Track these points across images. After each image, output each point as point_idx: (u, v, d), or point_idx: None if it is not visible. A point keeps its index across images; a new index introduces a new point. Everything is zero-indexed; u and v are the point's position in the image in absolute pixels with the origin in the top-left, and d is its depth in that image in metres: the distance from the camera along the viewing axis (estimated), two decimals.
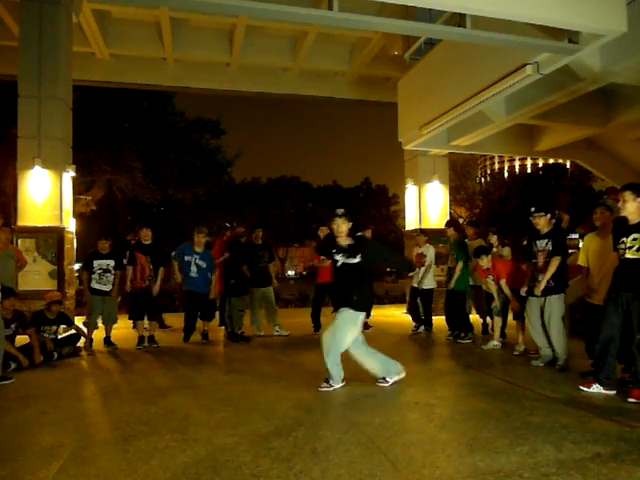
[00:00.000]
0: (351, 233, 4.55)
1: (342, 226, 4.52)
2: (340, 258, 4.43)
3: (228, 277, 7.25)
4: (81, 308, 7.64)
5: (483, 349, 6.30)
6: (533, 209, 5.24)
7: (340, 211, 4.57)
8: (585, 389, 4.16)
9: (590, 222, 5.10)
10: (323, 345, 4.36)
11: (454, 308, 7.15)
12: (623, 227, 4.08)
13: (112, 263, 6.72)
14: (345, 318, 4.36)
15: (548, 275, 5.02)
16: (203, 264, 7.07)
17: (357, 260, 4.39)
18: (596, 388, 4.12)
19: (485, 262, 6.30)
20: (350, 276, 4.42)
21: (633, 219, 4.02)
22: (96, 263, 6.67)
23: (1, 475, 2.75)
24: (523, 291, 5.45)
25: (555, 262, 5.01)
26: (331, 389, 4.37)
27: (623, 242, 4.02)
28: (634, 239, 3.96)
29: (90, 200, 18.55)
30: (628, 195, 4.01)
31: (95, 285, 6.66)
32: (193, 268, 7.05)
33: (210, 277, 7.19)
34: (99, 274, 6.66)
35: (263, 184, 46.25)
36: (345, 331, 4.34)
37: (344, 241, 4.51)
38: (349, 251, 4.43)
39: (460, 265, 6.99)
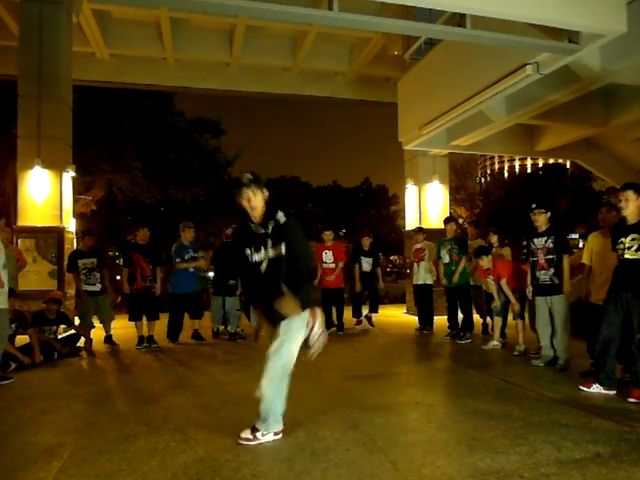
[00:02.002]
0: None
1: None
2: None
3: (224, 278, 7.29)
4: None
5: (483, 349, 6.30)
6: (534, 205, 5.27)
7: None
8: (585, 389, 4.16)
9: (590, 222, 5.11)
10: None
11: (456, 305, 7.16)
12: (622, 227, 4.08)
13: (95, 261, 6.70)
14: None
15: (567, 276, 5.07)
16: (199, 254, 7.20)
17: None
18: (596, 388, 4.12)
19: (485, 262, 6.30)
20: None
21: (632, 219, 4.02)
22: (80, 262, 6.64)
23: (1, 475, 2.75)
24: (529, 291, 5.44)
25: (567, 260, 5.07)
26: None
27: (622, 242, 4.02)
28: (633, 239, 3.96)
29: (90, 200, 18.54)
30: (631, 194, 4.00)
31: (84, 287, 6.62)
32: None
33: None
34: (85, 274, 6.63)
35: None
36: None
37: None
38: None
39: (464, 260, 7.03)
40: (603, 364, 4.11)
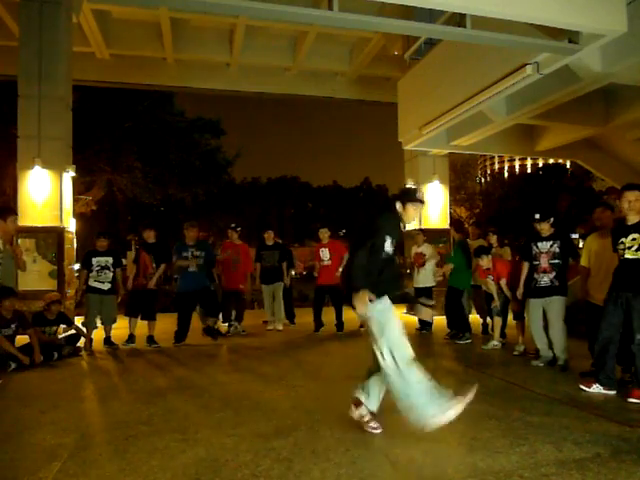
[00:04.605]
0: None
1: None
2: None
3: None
4: (81, 308, 7.64)
5: (483, 349, 6.30)
6: (537, 216, 5.18)
7: None
8: (585, 389, 4.16)
9: (589, 222, 5.09)
10: None
11: (451, 306, 7.17)
12: (622, 227, 4.08)
13: (110, 260, 6.73)
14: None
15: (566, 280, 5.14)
16: (201, 253, 6.99)
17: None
18: (596, 388, 4.11)
19: (485, 262, 6.31)
20: None
21: (632, 219, 4.02)
22: (94, 260, 6.68)
23: (1, 475, 2.75)
24: (519, 294, 5.45)
25: (573, 264, 5.12)
26: None
27: (622, 242, 4.02)
28: (633, 239, 3.96)
29: (90, 200, 18.52)
30: (631, 195, 4.00)
31: (93, 283, 6.66)
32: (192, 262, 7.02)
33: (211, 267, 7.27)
34: (97, 271, 6.66)
35: (263, 184, 46.26)
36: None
37: None
38: None
39: (450, 266, 7.08)
40: (603, 364, 4.11)
